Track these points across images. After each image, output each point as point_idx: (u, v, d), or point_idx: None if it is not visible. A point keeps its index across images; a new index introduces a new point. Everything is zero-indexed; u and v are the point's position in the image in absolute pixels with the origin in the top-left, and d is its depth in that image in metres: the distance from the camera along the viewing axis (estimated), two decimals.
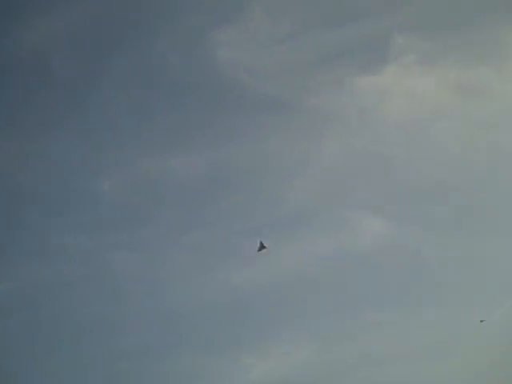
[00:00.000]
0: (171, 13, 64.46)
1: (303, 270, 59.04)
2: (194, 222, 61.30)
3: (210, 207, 61.66)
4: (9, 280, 55.22)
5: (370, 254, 58.80)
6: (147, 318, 55.78)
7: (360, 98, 64.10)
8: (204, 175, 63.11)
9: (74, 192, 60.53)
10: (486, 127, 61.92)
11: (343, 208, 61.24)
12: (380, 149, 64.04)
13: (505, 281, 52.73)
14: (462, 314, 53.18)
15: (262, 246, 49.22)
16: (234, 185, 63.08)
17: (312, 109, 64.07)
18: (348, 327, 55.81)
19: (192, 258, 58.72)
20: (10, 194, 58.49)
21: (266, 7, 64.52)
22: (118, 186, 60.69)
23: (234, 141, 63.89)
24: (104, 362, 52.53)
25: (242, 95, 64.47)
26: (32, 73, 62.04)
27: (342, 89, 64.14)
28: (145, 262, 58.24)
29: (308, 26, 64.27)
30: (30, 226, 58.32)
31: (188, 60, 64.78)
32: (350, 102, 64.30)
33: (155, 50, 63.94)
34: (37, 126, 62.01)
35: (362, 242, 59.39)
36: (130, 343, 53.16)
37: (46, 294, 55.27)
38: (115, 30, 64.11)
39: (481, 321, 52.08)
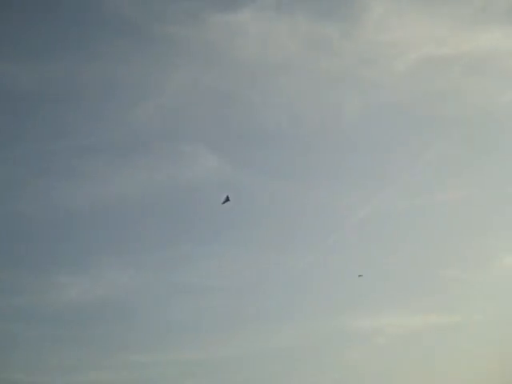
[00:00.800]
0: None
1: (136, 194, 62.13)
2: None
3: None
4: None
5: (202, 186, 63.42)
6: None
7: (213, 34, 65.26)
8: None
9: None
10: (331, 82, 65.33)
11: (180, 141, 64.70)
12: (225, 87, 64.86)
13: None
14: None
15: (227, 199, 50.42)
16: (78, 102, 65.30)
17: (164, 38, 65.08)
18: (170, 258, 59.59)
19: None
20: None
21: None
22: None
23: (76, 58, 65.03)
24: None
25: (99, 16, 65.40)
26: None
27: (196, 22, 65.43)
28: None
29: None
30: None
31: None
32: (203, 37, 65.41)
33: None
34: None
35: (195, 174, 63.18)
36: None
37: None
38: None
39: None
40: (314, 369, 56.17)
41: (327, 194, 64.36)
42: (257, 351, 56.55)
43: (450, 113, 64.78)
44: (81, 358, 54.61)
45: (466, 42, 63.79)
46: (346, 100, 65.83)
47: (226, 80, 65.57)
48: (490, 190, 64.17)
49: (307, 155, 66.03)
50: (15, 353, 54.50)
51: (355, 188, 64.65)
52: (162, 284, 59.25)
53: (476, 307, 58.60)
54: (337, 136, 66.57)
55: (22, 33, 63.00)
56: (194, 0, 65.15)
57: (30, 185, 60.79)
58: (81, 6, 63.67)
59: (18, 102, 63.68)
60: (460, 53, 64.05)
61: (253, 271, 61.97)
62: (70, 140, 63.10)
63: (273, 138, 65.92)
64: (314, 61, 65.41)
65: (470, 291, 59.58)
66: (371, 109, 65.78)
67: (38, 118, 63.49)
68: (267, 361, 56.21)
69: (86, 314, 57.41)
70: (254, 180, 64.03)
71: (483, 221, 62.84)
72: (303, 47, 65.59)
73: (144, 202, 62.78)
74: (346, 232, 61.91)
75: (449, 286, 60.03)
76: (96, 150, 62.31)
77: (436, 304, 59.21)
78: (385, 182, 64.46)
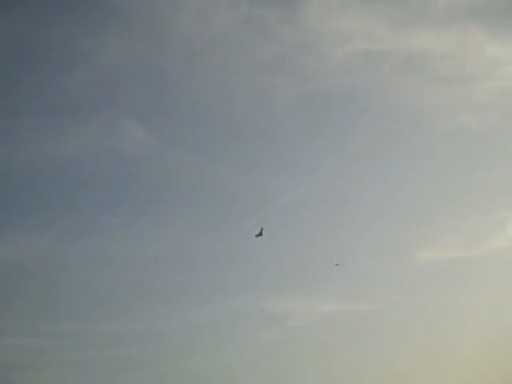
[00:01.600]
0: None
1: (62, 160, 62.16)
2: None
3: None
4: None
5: (128, 157, 63.68)
6: None
7: (153, 7, 64.63)
8: None
9: None
10: (267, 66, 66.26)
11: (109, 110, 63.91)
12: (160, 61, 65.18)
13: None
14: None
15: (260, 234, 51.84)
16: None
17: (104, 5, 63.55)
18: (86, 227, 60.52)
19: None
20: None
21: None
22: None
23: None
24: None
25: None
26: None
27: None
28: None
29: None
30: None
31: None
32: (143, 9, 64.54)
33: None
34: None
35: (122, 145, 63.41)
36: None
37: None
38: None
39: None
40: (228, 345, 57.89)
41: (250, 178, 65.00)
42: (179, 324, 57.67)
43: (376, 107, 66.36)
44: (4, 323, 54.25)
45: (400, 42, 65.70)
46: (279, 85, 66.22)
47: (162, 54, 64.83)
48: (408, 185, 66.04)
49: (236, 138, 66.15)
50: None
51: (277, 175, 65.72)
52: (87, 254, 58.75)
53: (386, 297, 61.03)
54: (267, 120, 67.02)
55: None
56: None
57: None
58: None
59: None
60: (393, 51, 65.97)
61: (177, 248, 62.70)
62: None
63: (203, 117, 65.57)
64: (251, 42, 65.74)
65: (381, 282, 62.25)
66: (303, 96, 66.38)
67: None
68: (187, 334, 57.55)
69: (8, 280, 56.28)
70: (180, 157, 63.76)
71: (401, 217, 65.29)
72: (242, 28, 65.67)
73: (69, 168, 61.82)
74: (267, 217, 62.35)
75: (361, 275, 62.23)
76: (25, 112, 60.41)
77: (348, 292, 61.57)
78: (308, 171, 65.58)
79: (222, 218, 64.90)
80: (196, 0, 65.18)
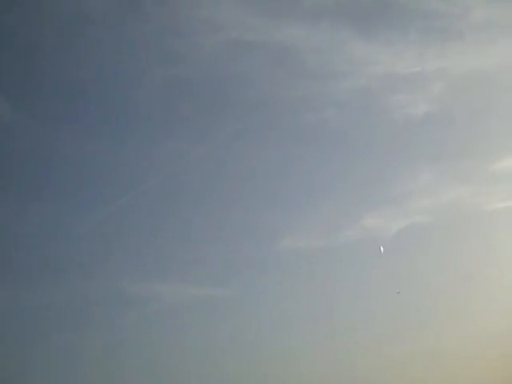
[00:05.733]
0: None
1: None
2: None
3: None
4: None
5: None
6: None
7: None
8: None
9: None
10: (136, 48, 64.53)
11: None
12: (32, 34, 61.16)
13: None
14: None
15: None
16: None
17: None
18: None
19: None
20: None
21: None
22: None
23: None
24: None
25: None
26: None
27: None
28: None
29: None
30: None
31: None
32: None
33: None
34: None
35: None
36: None
37: None
38: None
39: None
40: (84, 331, 56.09)
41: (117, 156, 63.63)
42: (25, 309, 55.35)
43: (246, 97, 67.22)
44: None
45: (272, 33, 66.55)
46: (147, 67, 65.31)
47: (33, 26, 61.45)
48: (273, 172, 67.81)
49: (104, 113, 64.95)
50: None
51: (140, 158, 64.71)
52: None
53: (248, 282, 62.64)
54: (133, 100, 65.79)
55: None
56: None
57: None
58: None
59: None
60: (264, 42, 66.80)
61: (39, 225, 59.85)
62: None
63: (71, 91, 63.27)
64: (120, 22, 63.89)
65: (244, 267, 63.30)
66: (171, 81, 65.85)
67: None
68: (34, 318, 55.36)
69: None
70: (48, 132, 61.33)
71: (265, 201, 66.98)
72: (113, 6, 63.67)
73: None
74: (129, 199, 61.84)
75: (226, 260, 63.35)
76: None
77: (212, 276, 62.37)
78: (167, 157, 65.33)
79: (81, 198, 62.91)
80: None
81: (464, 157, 66.80)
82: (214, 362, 57.23)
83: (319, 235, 65.47)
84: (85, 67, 63.72)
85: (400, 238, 64.00)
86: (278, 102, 67.44)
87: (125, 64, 64.79)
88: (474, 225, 64.81)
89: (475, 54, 65.78)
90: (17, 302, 55.19)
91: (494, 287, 60.42)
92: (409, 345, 57.73)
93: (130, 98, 65.06)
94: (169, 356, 57.18)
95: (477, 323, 58.34)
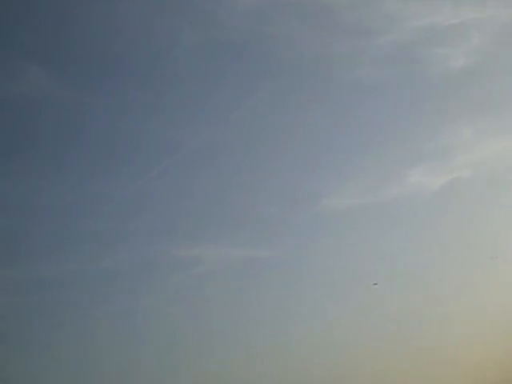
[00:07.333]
0: None
1: None
2: None
3: None
4: None
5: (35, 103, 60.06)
6: None
7: None
8: None
9: None
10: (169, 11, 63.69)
11: (16, 56, 59.47)
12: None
13: None
14: None
15: None
16: None
17: None
18: None
19: None
20: None
21: None
22: None
23: None
24: None
25: None
26: None
27: None
28: None
29: None
30: None
31: None
32: None
33: None
34: None
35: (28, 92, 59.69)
36: None
37: None
38: None
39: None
40: (131, 292, 57.19)
41: (155, 125, 63.91)
42: (86, 272, 56.55)
43: (283, 57, 66.69)
44: None
45: None
46: (184, 32, 65.03)
47: None
48: (311, 133, 67.17)
49: (138, 86, 64.58)
50: None
51: (184, 122, 64.90)
52: None
53: (292, 243, 62.39)
54: (169, 68, 65.63)
55: None
56: None
57: None
58: None
59: None
60: (299, 1, 66.24)
61: (83, 195, 60.89)
62: None
63: (107, 63, 63.41)
64: None
65: (287, 228, 63.15)
66: (208, 44, 65.42)
67: None
68: (94, 282, 56.71)
69: None
70: (87, 103, 61.96)
71: (306, 163, 66.34)
72: None
73: None
74: (172, 163, 62.30)
75: (268, 222, 63.08)
76: None
77: (255, 238, 62.22)
78: (215, 118, 65.47)
79: (127, 164, 63.52)
80: None
81: (506, 110, 65.41)
82: (259, 322, 57.69)
83: (362, 193, 65.13)
84: (117, 36, 63.89)
85: (444, 194, 63.49)
86: (315, 60, 66.81)
87: (160, 30, 64.95)
88: None
89: None
90: (75, 267, 56.65)
91: None
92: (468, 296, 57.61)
93: (167, 62, 65.21)
94: (215, 316, 57.63)
95: None
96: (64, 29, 61.70)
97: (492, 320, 53.52)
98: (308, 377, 52.12)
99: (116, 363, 53.51)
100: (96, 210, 60.10)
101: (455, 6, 66.51)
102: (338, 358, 53.98)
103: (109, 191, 61.07)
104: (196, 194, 63.30)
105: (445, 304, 56.04)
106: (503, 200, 62.58)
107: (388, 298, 57.48)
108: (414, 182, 64.88)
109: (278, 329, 56.99)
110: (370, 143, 67.48)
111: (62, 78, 62.04)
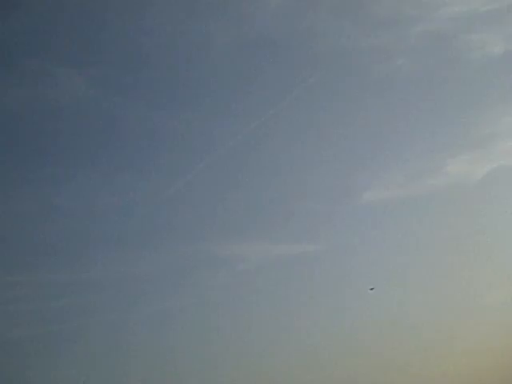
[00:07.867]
0: None
1: None
2: None
3: None
4: None
5: (66, 109, 60.00)
6: None
7: None
8: None
9: None
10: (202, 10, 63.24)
11: (48, 60, 59.56)
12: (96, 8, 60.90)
13: None
14: None
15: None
16: None
17: None
18: (30, 179, 57.25)
19: None
20: None
21: None
22: None
23: None
24: None
25: None
26: None
27: None
28: None
29: None
30: None
31: None
32: None
33: None
34: None
35: (62, 96, 59.88)
36: None
37: None
38: None
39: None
40: (176, 292, 57.03)
41: (192, 123, 63.33)
42: (126, 273, 56.24)
43: (314, 52, 65.99)
44: None
45: None
46: (216, 32, 64.63)
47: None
48: (349, 127, 66.40)
49: (174, 85, 64.24)
50: None
51: (221, 120, 64.17)
52: (32, 204, 57.67)
53: (335, 239, 61.95)
54: (203, 67, 65.16)
55: None
56: None
57: None
58: None
59: None
60: None
61: (122, 197, 60.76)
62: None
63: (139, 64, 63.27)
64: None
65: (330, 223, 62.58)
66: (240, 42, 65.05)
67: None
68: (135, 282, 56.20)
69: None
70: (120, 105, 61.75)
71: (346, 156, 65.66)
72: None
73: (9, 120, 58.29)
74: (213, 161, 61.78)
75: (310, 218, 62.47)
76: None
77: (297, 234, 61.70)
78: (253, 114, 64.60)
79: (165, 164, 63.20)
80: None
81: None
82: (306, 318, 56.99)
83: (403, 185, 64.29)
84: (150, 38, 63.76)
85: (487, 183, 62.19)
86: (347, 53, 66.08)
87: (193, 30, 64.68)
88: None
89: None
90: (117, 268, 56.55)
91: None
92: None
93: (202, 60, 64.88)
94: (259, 314, 57.22)
95: None
96: (95, 31, 61.59)
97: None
98: None
99: (160, 361, 53.25)
100: (138, 211, 59.94)
101: None
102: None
103: (149, 192, 60.79)
104: (238, 192, 62.91)
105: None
106: None
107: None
108: (455, 171, 63.87)
109: (329, 324, 56.96)
110: (410, 134, 66.48)
111: (95, 81, 62.00)
